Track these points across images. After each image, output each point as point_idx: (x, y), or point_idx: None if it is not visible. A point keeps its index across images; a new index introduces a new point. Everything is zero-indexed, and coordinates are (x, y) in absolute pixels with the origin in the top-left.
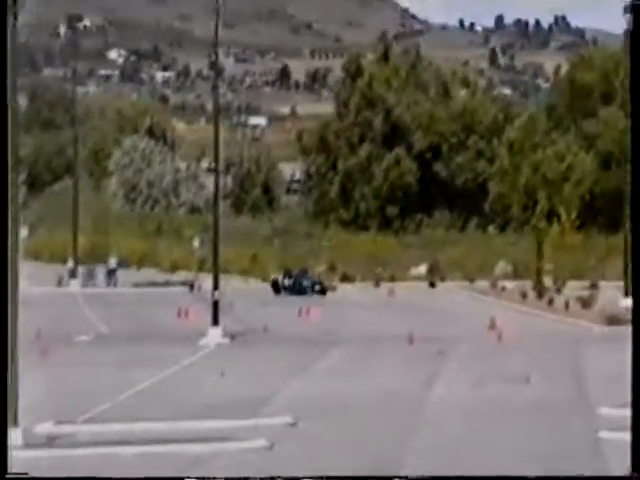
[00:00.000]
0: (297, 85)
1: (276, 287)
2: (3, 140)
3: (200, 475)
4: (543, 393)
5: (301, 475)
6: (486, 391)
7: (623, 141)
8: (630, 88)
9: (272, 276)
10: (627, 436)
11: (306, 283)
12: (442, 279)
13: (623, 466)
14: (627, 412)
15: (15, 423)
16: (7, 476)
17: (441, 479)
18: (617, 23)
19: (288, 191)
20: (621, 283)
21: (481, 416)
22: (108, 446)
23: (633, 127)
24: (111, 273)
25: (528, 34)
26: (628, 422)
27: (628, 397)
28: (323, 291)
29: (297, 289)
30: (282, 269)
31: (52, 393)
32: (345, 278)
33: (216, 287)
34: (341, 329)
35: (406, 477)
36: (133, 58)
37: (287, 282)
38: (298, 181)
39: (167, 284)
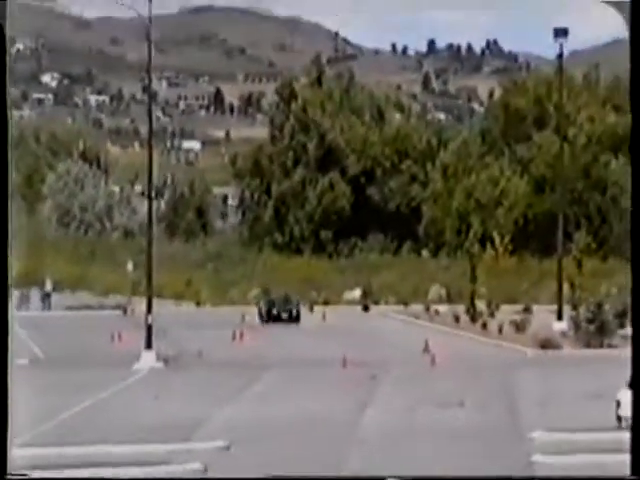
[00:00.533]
0: (231, 109)
1: (265, 315)
2: (3, 140)
3: None
4: (477, 417)
5: None
6: (419, 415)
7: (556, 165)
8: (630, 88)
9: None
10: (560, 459)
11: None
12: (376, 303)
13: None
14: (560, 435)
15: None
16: (7, 476)
17: (441, 479)
18: (549, 47)
19: (222, 216)
20: (554, 307)
21: (412, 440)
22: (40, 470)
23: (633, 129)
24: (46, 297)
25: (461, 58)
26: (562, 446)
27: (562, 422)
28: (297, 318)
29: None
30: (262, 297)
31: None
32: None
33: (149, 311)
34: (274, 353)
35: (406, 477)
36: (66, 82)
37: (275, 310)
38: (232, 205)
39: (101, 308)
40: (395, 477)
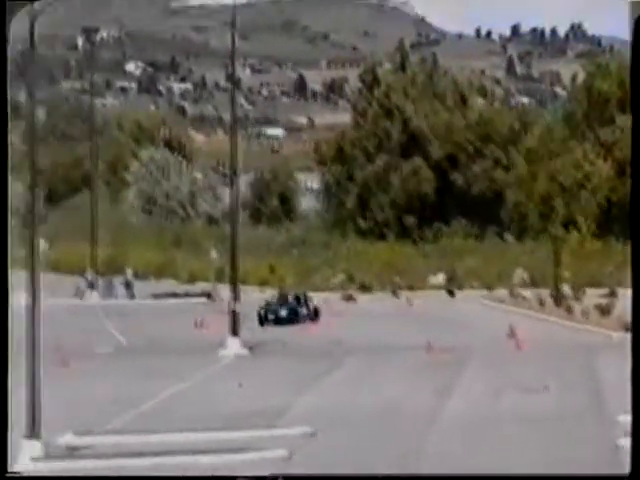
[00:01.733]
0: (314, 95)
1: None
2: (3, 140)
3: None
4: (562, 401)
5: None
6: (503, 400)
7: None
8: (630, 88)
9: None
10: None
11: (301, 311)
12: (460, 288)
13: None
14: None
15: (36, 435)
16: (7, 476)
17: (441, 479)
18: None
19: (306, 202)
20: None
21: (497, 425)
22: (126, 457)
23: (633, 129)
24: (127, 285)
25: (545, 42)
26: None
27: None
28: (315, 317)
29: (290, 318)
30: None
31: (73, 405)
32: (363, 288)
33: (235, 298)
34: (357, 340)
35: (406, 477)
36: (150, 70)
37: (283, 312)
38: (315, 191)
39: (186, 295)
40: (403, 477)
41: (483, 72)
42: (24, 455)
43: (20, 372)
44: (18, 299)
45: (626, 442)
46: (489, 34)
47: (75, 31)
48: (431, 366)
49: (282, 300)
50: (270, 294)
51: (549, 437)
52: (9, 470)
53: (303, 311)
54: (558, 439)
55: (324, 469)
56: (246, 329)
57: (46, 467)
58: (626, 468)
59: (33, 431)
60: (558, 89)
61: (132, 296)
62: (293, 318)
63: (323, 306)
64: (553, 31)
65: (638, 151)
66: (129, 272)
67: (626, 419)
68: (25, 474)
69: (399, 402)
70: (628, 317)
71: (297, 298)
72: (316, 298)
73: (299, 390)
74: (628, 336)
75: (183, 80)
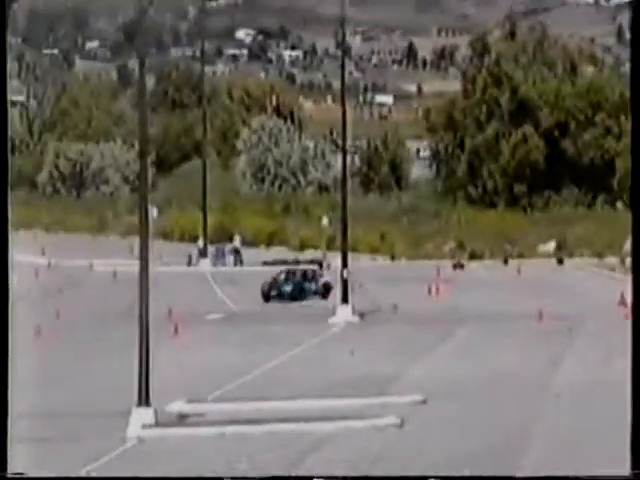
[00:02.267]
0: (424, 63)
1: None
2: (3, 140)
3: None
4: None
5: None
6: (614, 368)
7: None
8: (630, 88)
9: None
10: None
11: (309, 287)
12: (570, 256)
13: None
14: None
15: (147, 402)
16: (7, 476)
17: (441, 479)
18: None
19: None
20: None
21: (607, 392)
22: (237, 425)
23: (633, 129)
24: (235, 252)
25: None
26: None
27: None
28: (325, 294)
29: (296, 295)
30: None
31: (184, 371)
32: (473, 256)
33: (345, 265)
34: (469, 307)
35: (406, 477)
36: (260, 37)
37: (287, 288)
38: (426, 159)
39: (296, 263)
40: (404, 477)
41: (593, 40)
42: (135, 423)
43: (133, 339)
44: (127, 266)
45: None
46: (598, 1)
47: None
48: (542, 334)
49: (288, 275)
50: (381, 262)
51: None
52: (9, 470)
53: (311, 287)
54: None
55: (431, 437)
56: (358, 296)
57: (157, 434)
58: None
59: (144, 399)
60: None
61: (241, 263)
62: (297, 295)
63: (434, 274)
64: None
65: (638, 152)
66: (237, 239)
67: None
68: (25, 475)
69: (512, 369)
70: None
71: (304, 273)
72: (426, 266)
73: (404, 357)
74: None
75: (293, 48)
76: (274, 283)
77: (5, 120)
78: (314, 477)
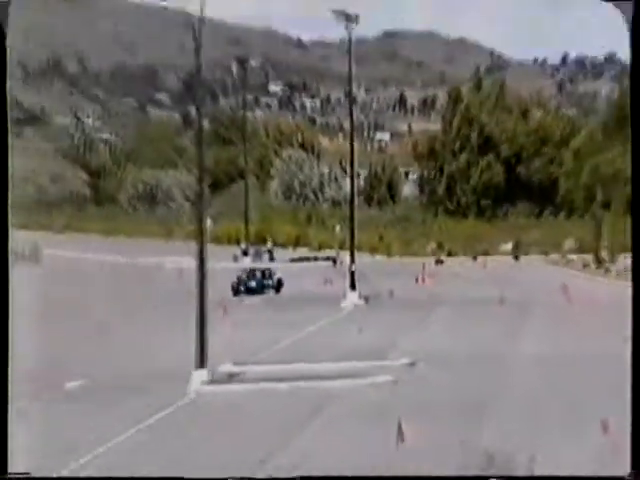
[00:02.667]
0: (412, 109)
1: (237, 289)
2: (3, 139)
3: (339, 406)
4: (600, 341)
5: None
6: (561, 341)
7: None
8: (630, 88)
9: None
10: None
11: (267, 283)
12: (525, 254)
13: None
14: None
15: (203, 365)
16: (7, 476)
17: (441, 479)
18: None
19: (406, 189)
20: None
21: (557, 359)
22: (270, 382)
23: (633, 129)
24: (268, 252)
25: (587, 67)
26: None
27: None
28: (278, 287)
29: (258, 289)
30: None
31: (230, 342)
32: (450, 254)
33: (353, 261)
34: (448, 294)
35: (406, 477)
36: (288, 90)
37: (252, 283)
38: (414, 181)
39: (315, 259)
40: (404, 477)
41: (540, 91)
42: (195, 381)
43: (191, 319)
44: (189, 263)
45: None
46: (544, 62)
47: (229, 60)
48: (502, 313)
49: (251, 274)
50: (379, 258)
51: (602, 365)
52: (9, 471)
53: (269, 282)
54: (596, 368)
55: (417, 388)
56: (363, 284)
57: (210, 389)
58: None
59: (201, 362)
60: (598, 104)
61: (273, 259)
62: (259, 289)
63: (420, 267)
64: (594, 59)
65: (638, 152)
66: (270, 242)
67: None
68: (25, 475)
69: (483, 338)
70: None
71: (263, 273)
72: (414, 262)
73: (397, 330)
74: None
75: (313, 97)
76: (241, 281)
77: (5, 120)
78: (314, 477)
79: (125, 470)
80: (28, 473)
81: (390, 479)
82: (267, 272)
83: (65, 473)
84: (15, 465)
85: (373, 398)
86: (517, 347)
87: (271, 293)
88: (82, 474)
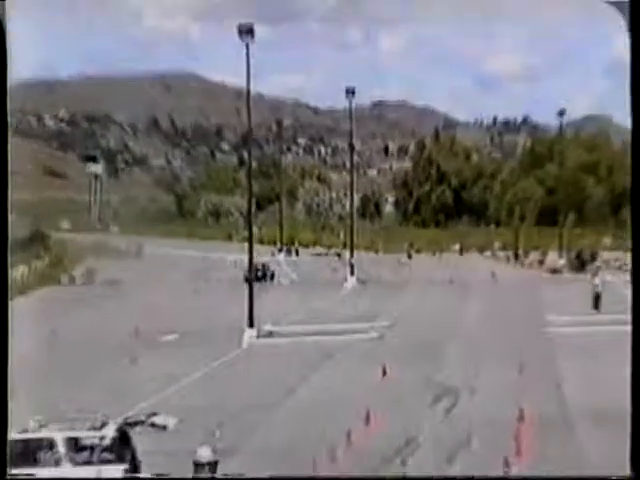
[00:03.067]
0: (392, 154)
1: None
2: (3, 141)
3: (343, 350)
4: (519, 305)
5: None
6: (491, 307)
7: (557, 180)
8: (630, 88)
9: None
10: (563, 330)
11: (268, 274)
12: (467, 251)
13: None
14: (565, 318)
15: (252, 325)
16: (7, 477)
17: (441, 479)
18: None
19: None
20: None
21: (490, 319)
22: (299, 337)
23: (633, 129)
24: (296, 249)
25: (510, 125)
26: (567, 320)
27: (564, 309)
28: (272, 277)
29: (261, 278)
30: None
31: (271, 309)
32: (418, 251)
33: (352, 255)
34: (416, 276)
35: (406, 477)
36: (309, 141)
37: (259, 274)
38: (392, 202)
39: (326, 254)
40: (404, 477)
41: (478, 143)
42: (247, 335)
43: (243, 293)
44: (242, 257)
45: (553, 329)
46: (481, 122)
47: (270, 122)
48: (451, 289)
49: (257, 268)
50: (370, 254)
51: (510, 321)
52: (8, 472)
53: (267, 273)
54: (505, 322)
55: (396, 344)
56: (359, 272)
57: (258, 341)
58: (555, 342)
59: (251, 323)
60: (516, 150)
61: (297, 254)
62: (262, 278)
63: (397, 260)
64: (514, 120)
65: (638, 152)
66: (296, 243)
67: (553, 317)
68: (24, 476)
69: (440, 307)
70: (551, 266)
71: (263, 266)
72: (393, 257)
73: (383, 303)
74: (551, 275)
75: (326, 146)
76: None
77: (5, 120)
78: (314, 477)
79: (215, 382)
80: (32, 475)
81: (390, 479)
82: (267, 266)
83: (177, 386)
84: (136, 395)
85: (365, 347)
86: (462, 308)
87: (269, 281)
88: (190, 388)
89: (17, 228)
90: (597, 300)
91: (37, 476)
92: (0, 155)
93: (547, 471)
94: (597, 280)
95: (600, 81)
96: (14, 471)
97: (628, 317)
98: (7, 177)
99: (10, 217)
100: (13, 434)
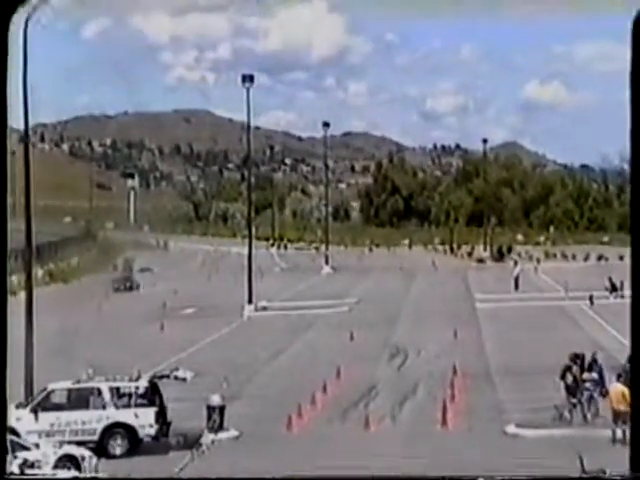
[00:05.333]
0: (357, 172)
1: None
2: (3, 142)
3: (325, 319)
4: (454, 286)
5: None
6: (432, 287)
7: (486, 190)
8: (631, 88)
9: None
10: (487, 305)
11: None
12: (414, 245)
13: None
14: (488, 296)
15: (251, 301)
16: (6, 476)
17: (441, 479)
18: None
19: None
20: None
21: (431, 296)
22: (287, 311)
23: (633, 129)
24: (285, 245)
25: (446, 150)
26: (490, 297)
27: (489, 288)
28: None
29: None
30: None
31: (264, 290)
32: (377, 246)
33: (327, 249)
34: (375, 265)
35: (406, 477)
36: (294, 162)
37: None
38: (357, 208)
39: (308, 249)
40: (404, 477)
41: (422, 163)
42: (247, 310)
43: (243, 278)
44: (243, 250)
45: (479, 305)
46: (425, 147)
47: (265, 147)
48: (402, 274)
49: (125, 278)
50: (339, 248)
51: (448, 299)
52: (8, 471)
53: (134, 285)
54: (451, 300)
55: (361, 315)
56: (332, 260)
57: (256, 314)
58: (479, 316)
59: (250, 300)
60: (451, 169)
61: (286, 248)
62: (129, 289)
63: (361, 253)
64: (449, 146)
65: (638, 152)
66: (285, 240)
67: (480, 295)
68: (24, 476)
69: (394, 287)
70: (476, 256)
71: (129, 278)
72: (358, 250)
73: (351, 285)
74: (477, 264)
75: (307, 165)
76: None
77: (5, 121)
78: (315, 477)
79: (222, 344)
80: (32, 475)
81: (390, 479)
82: (129, 278)
83: (194, 348)
84: (151, 357)
85: (338, 318)
86: (410, 289)
87: None
88: (204, 349)
89: (73, 228)
90: (517, 282)
91: (37, 476)
92: (0, 156)
93: (473, 409)
94: (518, 268)
95: (514, 116)
96: (70, 415)
97: (539, 295)
98: (6, 178)
99: (67, 220)
100: (69, 384)
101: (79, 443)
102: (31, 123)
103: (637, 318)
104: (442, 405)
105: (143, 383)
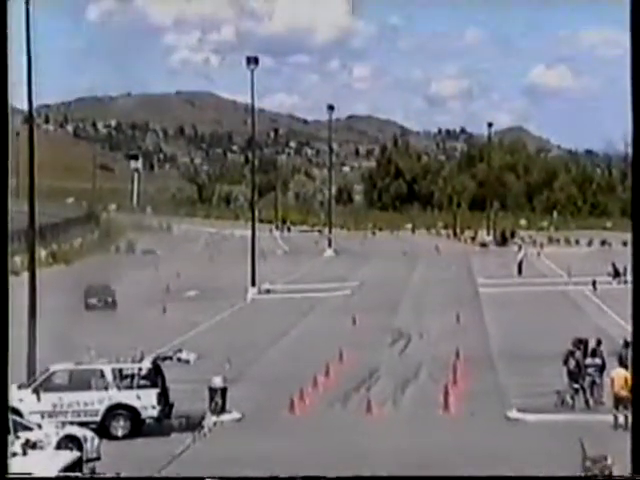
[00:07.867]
0: (361, 155)
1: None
2: (3, 141)
3: (327, 300)
4: (457, 270)
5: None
6: (435, 272)
7: (489, 175)
8: (631, 88)
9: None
10: (490, 290)
11: None
12: (417, 229)
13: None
14: (490, 281)
15: (254, 284)
16: (7, 476)
17: (441, 479)
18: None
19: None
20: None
21: (434, 280)
22: (290, 293)
23: (634, 129)
24: (289, 227)
25: (451, 134)
26: (492, 281)
27: (489, 272)
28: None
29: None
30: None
31: (268, 272)
32: (380, 229)
33: (330, 232)
34: (379, 249)
35: (406, 477)
36: (299, 145)
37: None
38: (361, 191)
39: (311, 231)
40: (404, 477)
41: (427, 147)
42: (250, 293)
43: (246, 261)
44: (246, 233)
45: (481, 289)
46: (429, 132)
47: (270, 130)
48: (405, 258)
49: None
50: (343, 231)
51: (452, 285)
52: (9, 471)
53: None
54: (455, 285)
55: (363, 299)
56: (335, 244)
57: (259, 297)
58: (482, 297)
59: (253, 283)
60: (455, 153)
61: (289, 231)
62: (105, 305)
63: (363, 236)
64: (454, 130)
65: (638, 151)
66: (288, 222)
67: (481, 280)
68: (24, 476)
69: (397, 271)
70: (481, 240)
71: (104, 290)
72: (361, 233)
73: (353, 268)
74: (479, 248)
75: (311, 148)
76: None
77: (5, 121)
78: (315, 477)
79: (225, 327)
80: (30, 474)
81: (390, 479)
82: (105, 290)
83: (197, 330)
84: (157, 338)
85: (340, 301)
86: (413, 273)
87: None
88: (207, 331)
89: (76, 209)
90: (520, 267)
91: (36, 476)
92: (0, 156)
93: (475, 392)
94: (521, 253)
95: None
96: (73, 396)
97: (541, 280)
98: (7, 177)
99: (70, 201)
100: (71, 365)
101: (81, 424)
102: (35, 104)
103: (638, 303)
104: (444, 389)
105: (146, 364)
